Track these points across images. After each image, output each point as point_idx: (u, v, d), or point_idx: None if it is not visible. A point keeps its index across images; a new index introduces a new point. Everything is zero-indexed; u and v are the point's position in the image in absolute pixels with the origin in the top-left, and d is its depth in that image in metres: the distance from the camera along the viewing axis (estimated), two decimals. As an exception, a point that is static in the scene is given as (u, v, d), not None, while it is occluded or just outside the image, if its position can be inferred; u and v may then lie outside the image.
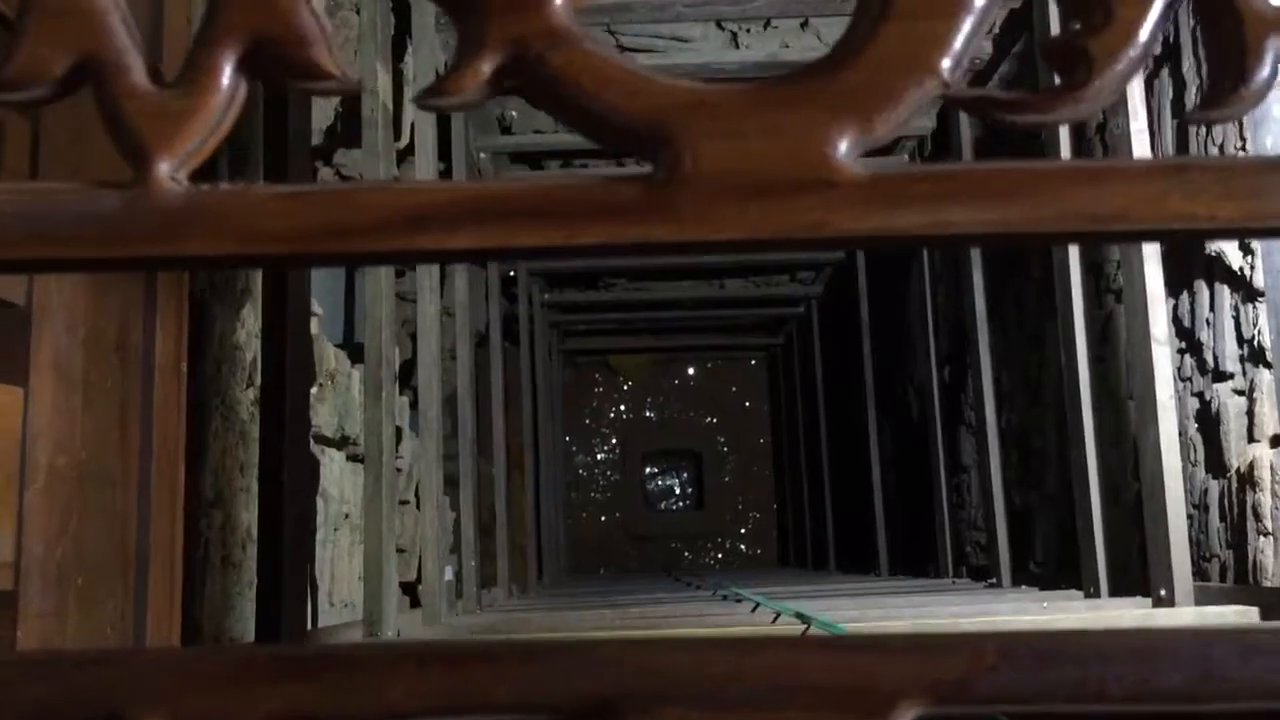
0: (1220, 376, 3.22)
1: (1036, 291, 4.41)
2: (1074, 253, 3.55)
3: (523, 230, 0.36)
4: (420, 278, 3.41)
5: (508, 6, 0.37)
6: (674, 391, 9.51)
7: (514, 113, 4.69)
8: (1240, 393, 3.14)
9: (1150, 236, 0.36)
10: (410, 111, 3.48)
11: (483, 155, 4.62)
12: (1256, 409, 3.03)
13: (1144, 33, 0.36)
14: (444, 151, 3.80)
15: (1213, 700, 0.32)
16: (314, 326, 3.13)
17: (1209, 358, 3.26)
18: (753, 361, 9.52)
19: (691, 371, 9.53)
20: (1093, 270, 3.91)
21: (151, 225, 0.36)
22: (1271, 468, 2.87)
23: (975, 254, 4.56)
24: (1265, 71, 0.36)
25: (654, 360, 9.38)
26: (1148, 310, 2.99)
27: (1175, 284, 3.38)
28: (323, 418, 3.18)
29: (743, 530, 9.45)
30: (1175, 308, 3.42)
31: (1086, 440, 3.42)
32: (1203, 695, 0.32)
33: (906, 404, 6.08)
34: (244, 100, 0.38)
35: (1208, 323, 3.30)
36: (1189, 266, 3.35)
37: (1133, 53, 0.36)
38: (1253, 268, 2.99)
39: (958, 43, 0.36)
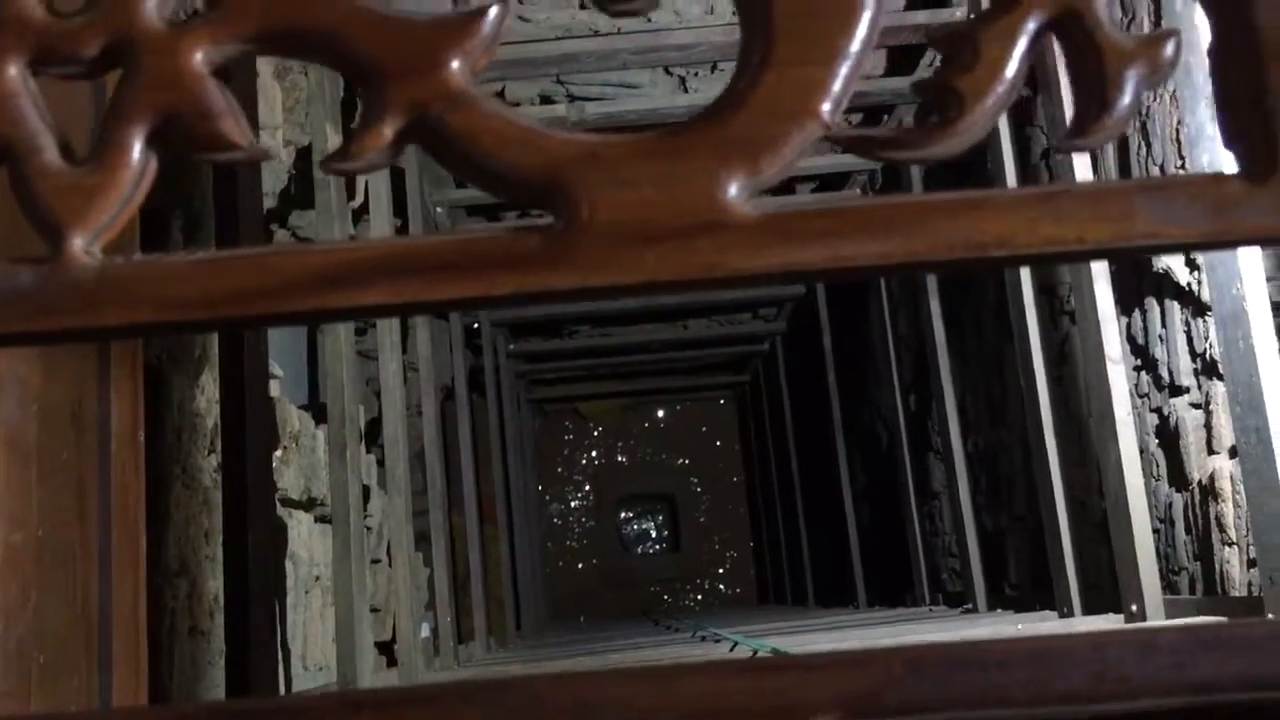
0: (1176, 391, 3.26)
1: (994, 316, 4.47)
2: (1025, 278, 3.61)
3: (433, 284, 0.38)
4: (380, 335, 3.41)
5: (407, 71, 0.38)
6: (644, 435, 9.52)
7: (468, 166, 4.70)
8: (1197, 406, 3.18)
9: (1026, 260, 0.38)
10: (364, 170, 3.50)
11: (439, 210, 4.64)
12: (1213, 421, 3.07)
13: (1010, 70, 0.38)
14: (399, 208, 3.82)
15: (1112, 699, 0.34)
16: (275, 389, 3.12)
17: (1164, 373, 3.31)
18: (721, 401, 9.55)
19: (661, 414, 9.55)
20: (1046, 293, 3.97)
21: (68, 298, 0.37)
22: (1231, 478, 2.91)
23: (931, 282, 4.62)
24: (1127, 100, 0.38)
25: (623, 405, 9.39)
26: (1100, 330, 3.04)
27: (1127, 302, 3.44)
28: (288, 480, 3.16)
29: (720, 570, 9.42)
30: (1129, 326, 3.47)
31: (1050, 461, 3.46)
32: (1102, 695, 0.34)
33: (875, 434, 6.12)
34: (155, 173, 0.39)
35: (1161, 339, 3.35)
36: (1139, 285, 3.41)
37: (1000, 89, 0.38)
38: (1200, 283, 3.04)
39: (836, 86, 0.38)
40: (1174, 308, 3.24)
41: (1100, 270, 3.08)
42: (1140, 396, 3.45)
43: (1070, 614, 3.23)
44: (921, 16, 3.43)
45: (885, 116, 4.52)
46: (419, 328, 4.28)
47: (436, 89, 0.38)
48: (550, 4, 3.72)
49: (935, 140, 0.38)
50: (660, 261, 0.38)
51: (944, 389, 4.51)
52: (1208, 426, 3.08)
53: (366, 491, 3.69)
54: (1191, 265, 3.09)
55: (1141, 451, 3.19)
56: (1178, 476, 3.22)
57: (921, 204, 0.38)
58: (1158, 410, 3.35)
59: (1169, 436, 3.27)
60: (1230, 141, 0.38)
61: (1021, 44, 0.38)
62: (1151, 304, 3.35)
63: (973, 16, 0.37)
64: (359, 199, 3.49)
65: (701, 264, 0.38)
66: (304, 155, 3.17)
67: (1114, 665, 0.34)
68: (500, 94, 4.12)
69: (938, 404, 4.62)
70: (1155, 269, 3.21)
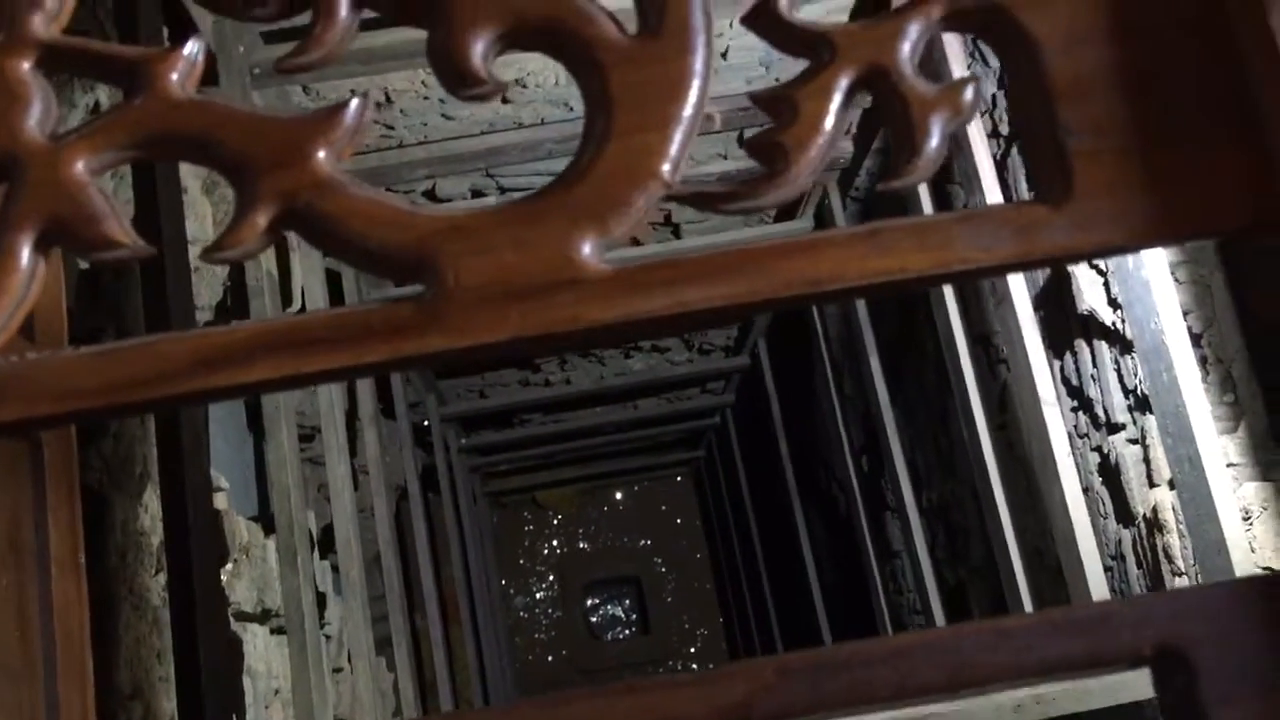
0: (1113, 428, 3.33)
1: (934, 371, 4.55)
2: (958, 329, 3.69)
3: (313, 357, 0.40)
4: (326, 438, 3.40)
5: (276, 164, 0.41)
6: (604, 519, 9.47)
7: (405, 265, 4.74)
8: (1134, 441, 3.25)
9: (859, 293, 0.42)
10: (300, 274, 3.53)
11: (379, 310, 4.65)
12: (1151, 454, 3.14)
13: (828, 124, 0.42)
14: (338, 311, 3.83)
15: (970, 686, 0.36)
16: (222, 501, 3.09)
17: (1100, 412, 3.38)
18: (678, 478, 9.55)
19: (619, 496, 9.51)
20: (981, 343, 4.06)
21: (-34, 397, 0.39)
22: (1173, 509, 2.96)
23: (870, 342, 4.70)
24: (934, 143, 0.42)
25: (580, 490, 9.35)
26: (1033, 375, 3.11)
27: (1059, 345, 3.52)
28: (241, 593, 3.11)
29: (692, 649, 9.32)
30: (1062, 368, 3.55)
31: (1000, 510, 3.51)
32: (960, 684, 0.36)
33: (832, 498, 6.15)
34: (44, 276, 0.41)
35: (1093, 379, 3.43)
36: (1068, 328, 3.50)
37: (820, 140, 0.42)
38: (1123, 321, 3.13)
39: (673, 149, 0.42)
40: (1102, 347, 3.33)
41: (1027, 318, 3.17)
42: (1080, 436, 3.52)
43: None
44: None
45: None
46: (366, 429, 4.27)
47: (304, 179, 0.41)
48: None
49: (766, 191, 0.42)
50: (524, 318, 0.41)
51: (892, 447, 4.56)
52: (1146, 460, 3.15)
53: (323, 599, 3.64)
54: (1114, 305, 3.18)
55: (1086, 491, 3.25)
56: (1123, 512, 3.28)
57: (761, 249, 0.42)
58: (1098, 449, 3.42)
59: (1111, 473, 3.33)
60: (1030, 172, 0.42)
61: (836, 99, 0.42)
62: (1081, 345, 3.44)
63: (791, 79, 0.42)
64: (295, 304, 3.50)
65: (562, 318, 0.41)
66: (238, 267, 3.19)
67: (969, 655, 0.36)
68: (431, 191, 4.18)
69: (888, 463, 4.67)
70: (1080, 311, 3.30)
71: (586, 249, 0.41)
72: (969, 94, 0.42)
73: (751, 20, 0.44)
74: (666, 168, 0.42)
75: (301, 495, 2.98)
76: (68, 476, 1.81)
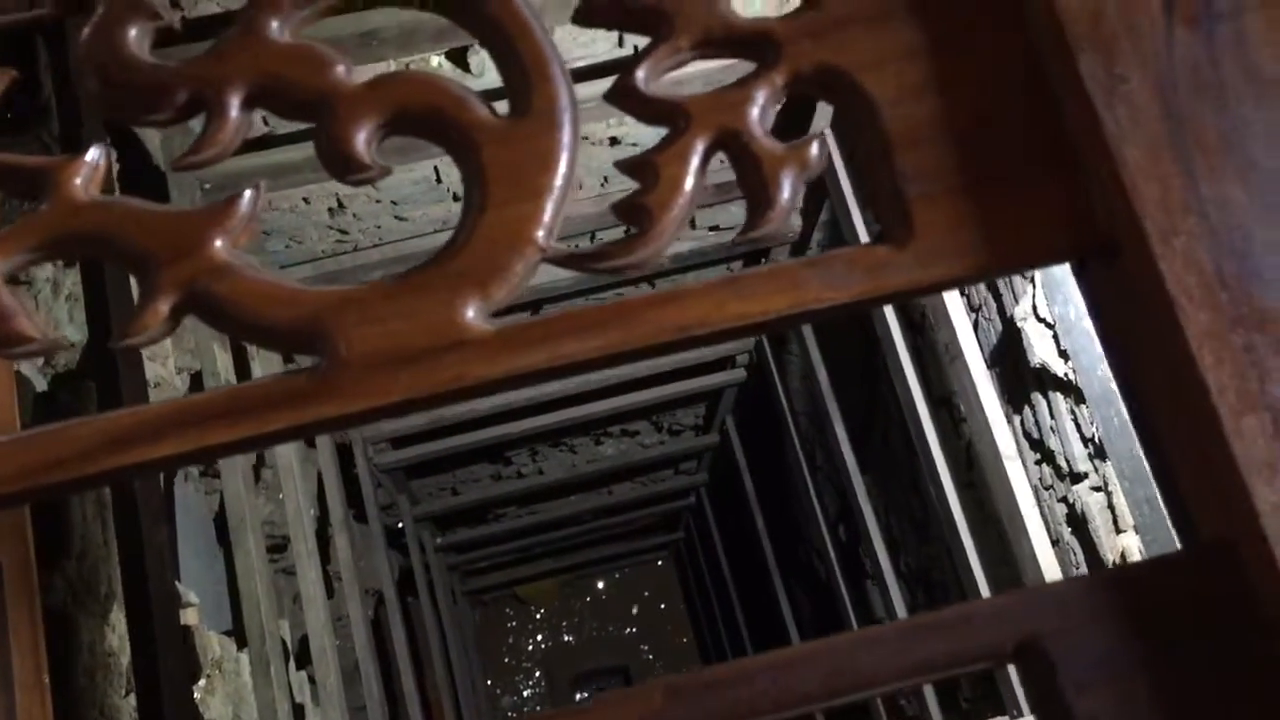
0: (1077, 478, 3.37)
1: (900, 435, 4.59)
2: (917, 392, 3.74)
3: (217, 430, 0.43)
4: (296, 545, 3.38)
5: (175, 255, 0.45)
6: (588, 610, 9.36)
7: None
8: (1098, 489, 3.28)
9: (724, 335, 0.45)
10: (261, 385, 3.53)
11: (345, 414, 4.65)
12: (1115, 501, 3.17)
13: (687, 184, 0.46)
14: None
15: (846, 693, 0.39)
16: (193, 616, 3.05)
17: (1062, 463, 3.42)
18: (659, 562, 9.48)
19: (601, 585, 9.42)
20: (943, 404, 4.10)
21: (-116, 491, 0.41)
22: (1141, 553, 2.99)
23: (835, 412, 4.74)
24: (785, 194, 0.46)
25: (561, 582, 9.26)
26: (992, 430, 3.15)
27: (1016, 400, 3.57)
28: (215, 710, 3.06)
29: (685, 737, 9.16)
30: (1022, 422, 3.60)
31: (974, 567, 3.52)
32: (837, 690, 0.39)
33: (813, 569, 6.13)
34: (-41, 371, 0.44)
35: (1053, 430, 3.47)
36: (1023, 381, 3.55)
37: (681, 200, 0.46)
38: (1075, 371, 3.19)
39: (546, 217, 0.46)
40: (1058, 398, 3.38)
41: (981, 373, 3.22)
42: (1045, 489, 3.55)
43: (1020, 715, 3.24)
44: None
45: (763, 260, 4.74)
46: (337, 534, 4.24)
47: (201, 265, 0.45)
48: (426, 200, 3.87)
49: (634, 249, 0.46)
50: (413, 381, 0.44)
51: (865, 514, 4.58)
52: (1110, 507, 3.18)
53: (301, 710, 3.58)
54: (1064, 356, 3.24)
55: (1056, 543, 3.27)
56: (1094, 561, 3.30)
57: (632, 301, 0.45)
58: (1064, 499, 3.44)
59: (1079, 523, 3.35)
60: (876, 216, 0.46)
61: (694, 162, 0.46)
62: (1038, 398, 3.48)
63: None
64: (259, 413, 3.49)
65: (448, 378, 0.44)
66: (196, 380, 3.20)
67: (844, 662, 0.39)
68: (389, 293, 4.21)
69: (864, 530, 4.69)
70: (1033, 364, 3.35)
71: (470, 313, 0.45)
72: (815, 150, 0.46)
73: (614, 97, 0.48)
74: (541, 234, 0.45)
75: (273, 605, 2.95)
76: (28, 597, 1.80)
